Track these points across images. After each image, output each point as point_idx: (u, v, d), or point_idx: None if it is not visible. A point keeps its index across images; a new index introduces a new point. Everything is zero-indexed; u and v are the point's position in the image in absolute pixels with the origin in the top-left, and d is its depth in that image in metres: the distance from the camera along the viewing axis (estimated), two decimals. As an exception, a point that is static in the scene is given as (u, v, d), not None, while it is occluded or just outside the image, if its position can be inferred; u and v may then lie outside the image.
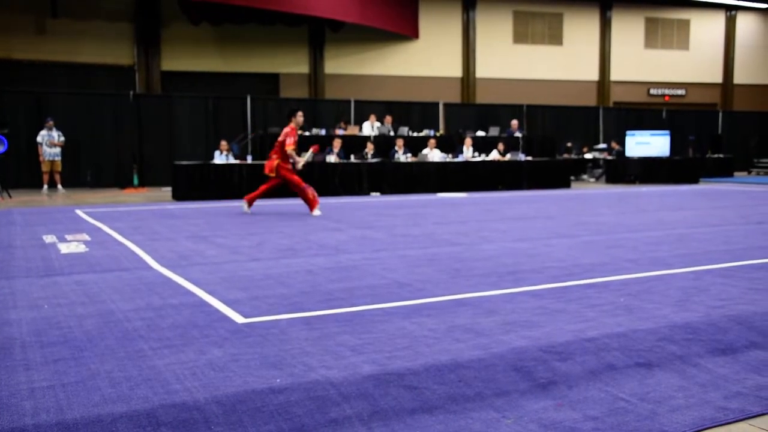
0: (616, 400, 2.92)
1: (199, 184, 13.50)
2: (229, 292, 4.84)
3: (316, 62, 25.53)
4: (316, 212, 10.27)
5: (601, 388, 3.05)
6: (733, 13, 32.09)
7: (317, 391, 2.91)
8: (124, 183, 16.76)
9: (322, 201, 12.94)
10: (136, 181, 16.90)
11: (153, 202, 13.09)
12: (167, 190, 15.05)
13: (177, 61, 22.97)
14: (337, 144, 15.07)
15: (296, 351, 3.45)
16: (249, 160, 14.63)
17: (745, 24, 32.70)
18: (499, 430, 2.63)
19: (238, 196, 13.55)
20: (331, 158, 14.66)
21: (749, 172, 23.48)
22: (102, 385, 2.97)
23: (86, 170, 16.77)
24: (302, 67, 25.48)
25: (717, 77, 32.43)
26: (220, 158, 14.49)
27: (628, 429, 2.65)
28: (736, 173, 21.94)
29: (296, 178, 10.27)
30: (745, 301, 4.49)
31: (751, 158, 23.87)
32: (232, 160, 14.45)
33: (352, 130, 17.08)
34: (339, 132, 16.72)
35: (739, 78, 32.45)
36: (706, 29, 31.97)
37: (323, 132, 16.74)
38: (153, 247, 7.08)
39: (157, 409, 2.71)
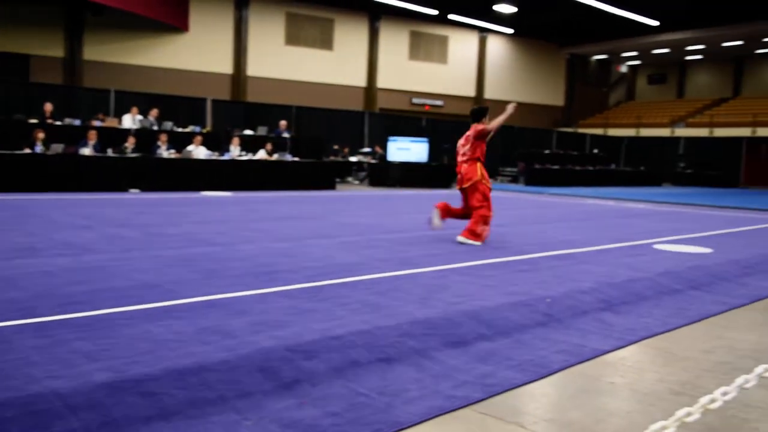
0: (356, 395, 3.02)
1: None
2: (-56, 298, 4.26)
3: (74, 46, 23.62)
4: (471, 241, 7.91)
5: (343, 384, 3.14)
6: (485, 34, 35.24)
7: (39, 405, 2.65)
8: None
9: (74, 197, 11.95)
10: None
11: None
12: None
13: None
14: (92, 136, 14.01)
15: (20, 361, 3.12)
16: (-13, 149, 13.06)
17: (495, 46, 36.09)
18: (238, 433, 2.59)
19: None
20: (86, 151, 13.60)
21: (495, 179, 25.94)
22: None
23: None
24: (57, 50, 23.42)
25: (471, 91, 35.41)
26: (-51, 145, 12.74)
27: (365, 422, 2.75)
28: (484, 180, 24.06)
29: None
30: (479, 297, 4.90)
31: (497, 166, 26.37)
32: (-36, 149, 12.79)
33: (111, 123, 15.98)
34: (96, 123, 15.55)
35: (489, 93, 35.71)
36: (462, 47, 34.77)
37: (78, 122, 15.44)
38: None
39: None
